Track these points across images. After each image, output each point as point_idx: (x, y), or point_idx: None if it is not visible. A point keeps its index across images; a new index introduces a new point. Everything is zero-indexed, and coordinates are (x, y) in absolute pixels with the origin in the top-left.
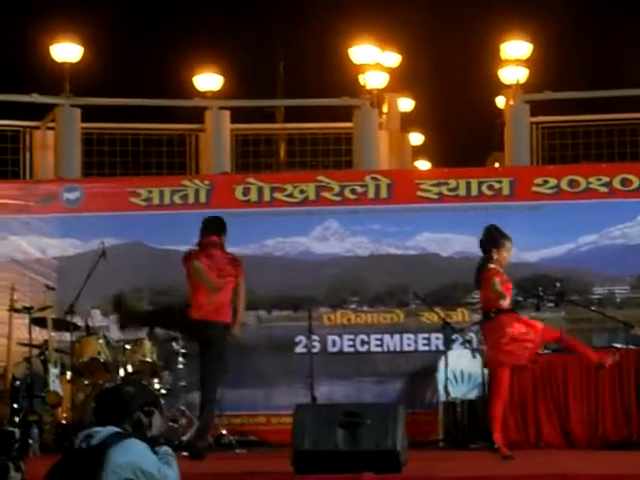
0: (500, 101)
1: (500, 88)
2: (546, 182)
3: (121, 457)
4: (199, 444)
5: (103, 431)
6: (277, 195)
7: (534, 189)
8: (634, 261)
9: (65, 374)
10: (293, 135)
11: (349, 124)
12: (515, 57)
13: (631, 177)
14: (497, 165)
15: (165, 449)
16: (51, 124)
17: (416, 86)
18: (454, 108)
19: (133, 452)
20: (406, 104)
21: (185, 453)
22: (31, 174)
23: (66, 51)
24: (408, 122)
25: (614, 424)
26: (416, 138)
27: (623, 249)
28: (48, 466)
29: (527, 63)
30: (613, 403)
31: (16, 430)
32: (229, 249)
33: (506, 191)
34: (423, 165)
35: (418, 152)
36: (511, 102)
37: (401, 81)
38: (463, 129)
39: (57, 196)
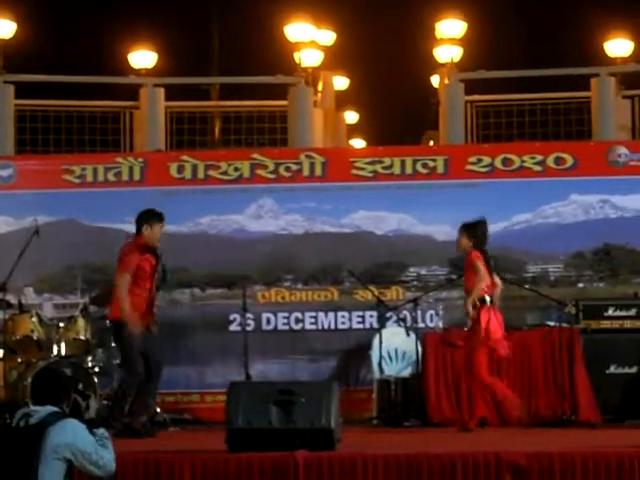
0: (435, 80)
1: (435, 67)
2: (480, 160)
3: (60, 437)
4: (134, 423)
5: (42, 410)
6: (211, 173)
7: (468, 167)
8: (567, 240)
9: None
10: (228, 113)
11: (284, 102)
12: (450, 36)
13: (565, 156)
14: (432, 144)
15: (102, 432)
16: None
17: (351, 64)
18: (389, 87)
19: (71, 432)
20: (341, 82)
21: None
22: None
23: None
24: (343, 100)
25: (547, 402)
26: (351, 116)
27: (556, 228)
28: None
29: (462, 42)
30: (546, 381)
31: None
32: (165, 227)
33: (440, 169)
34: (358, 143)
35: (353, 130)
36: (446, 81)
37: (336, 59)
38: (398, 108)
39: None
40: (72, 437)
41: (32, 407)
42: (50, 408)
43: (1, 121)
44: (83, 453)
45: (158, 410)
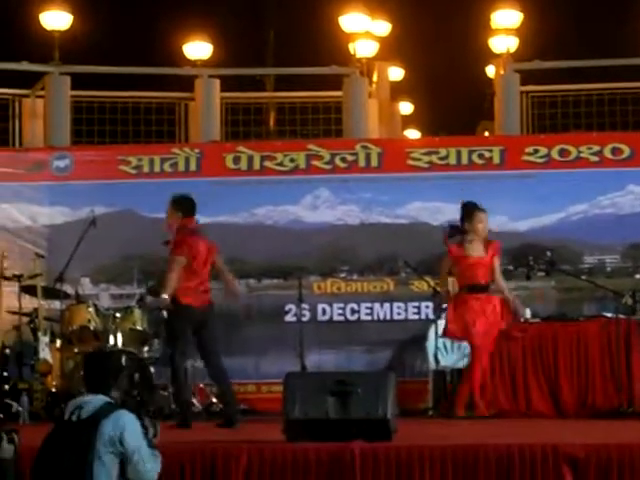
0: (490, 70)
1: (490, 57)
2: (537, 151)
3: (112, 430)
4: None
5: (94, 402)
6: (267, 163)
7: (524, 158)
8: (624, 230)
9: (55, 342)
10: (283, 104)
11: (339, 93)
12: (505, 26)
13: (621, 146)
14: (487, 134)
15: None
16: (40, 92)
17: (406, 55)
18: (444, 77)
19: (122, 425)
20: (396, 73)
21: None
22: (20, 142)
23: (56, 19)
24: (398, 91)
25: (604, 393)
26: (406, 107)
27: (613, 218)
28: (38, 434)
29: (517, 32)
30: (603, 372)
31: (14, 404)
32: (220, 217)
33: (496, 160)
34: (413, 134)
35: (408, 121)
36: (501, 71)
37: (391, 50)
38: (453, 98)
39: (47, 164)
40: (122, 429)
41: (85, 397)
42: (102, 399)
43: (58, 112)
44: (127, 447)
45: (214, 400)
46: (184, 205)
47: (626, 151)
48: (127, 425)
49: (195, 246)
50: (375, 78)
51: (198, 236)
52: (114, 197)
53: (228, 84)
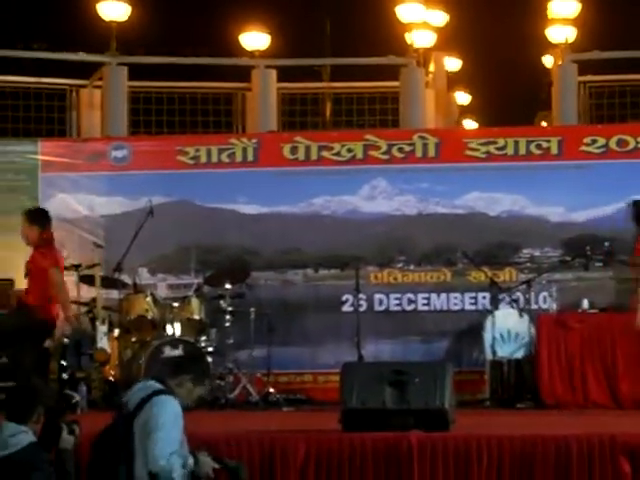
0: (548, 60)
1: (548, 47)
2: (594, 141)
3: (147, 412)
4: None
5: (144, 389)
6: (325, 154)
7: (582, 148)
8: None
9: (113, 332)
10: (339, 94)
11: (395, 83)
12: (563, 16)
13: None
14: (544, 124)
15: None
16: (98, 83)
17: (463, 45)
18: (501, 67)
19: (157, 406)
20: (453, 63)
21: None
22: (78, 133)
23: (113, 9)
24: (455, 81)
25: None
26: (463, 97)
27: None
28: (96, 423)
29: (575, 22)
30: None
31: (75, 394)
32: (278, 207)
33: (554, 150)
34: (470, 124)
35: (465, 111)
36: (559, 61)
37: (448, 40)
38: (511, 88)
39: (105, 154)
40: (156, 410)
41: (137, 386)
42: (152, 386)
43: (115, 103)
44: (149, 426)
45: (271, 390)
46: (40, 217)
47: None
48: (158, 406)
49: (61, 257)
50: (432, 68)
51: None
52: (171, 187)
53: (285, 74)
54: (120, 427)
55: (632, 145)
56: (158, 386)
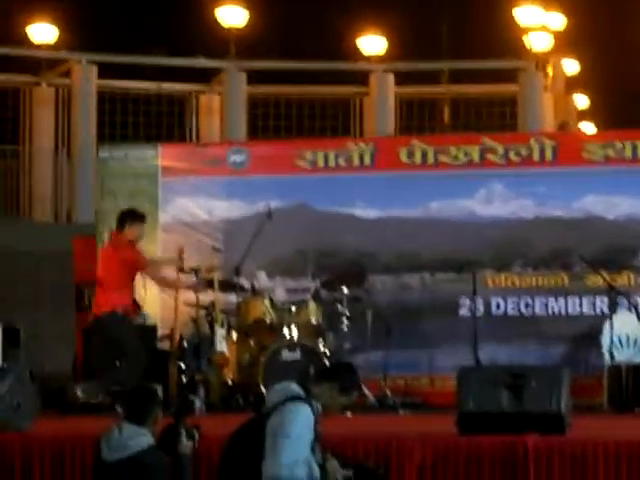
0: None
1: None
2: None
3: (275, 418)
4: None
5: (281, 391)
6: (441, 157)
7: None
8: None
9: (231, 335)
10: (457, 97)
11: (514, 86)
12: None
13: None
14: None
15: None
16: (217, 88)
17: (581, 48)
18: (620, 70)
19: (287, 413)
20: (571, 66)
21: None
22: (197, 137)
23: (232, 15)
24: (573, 85)
25: None
26: (581, 100)
27: None
28: (214, 426)
29: None
30: None
31: (197, 400)
32: (394, 211)
33: None
34: (588, 128)
35: (584, 115)
36: None
37: (566, 43)
38: (630, 91)
39: (224, 159)
40: (289, 417)
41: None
42: (292, 389)
43: (234, 108)
44: (282, 431)
45: (388, 393)
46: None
47: None
48: (292, 413)
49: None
50: (550, 71)
51: None
52: (289, 191)
53: (402, 78)
54: (255, 428)
55: None
56: (297, 390)
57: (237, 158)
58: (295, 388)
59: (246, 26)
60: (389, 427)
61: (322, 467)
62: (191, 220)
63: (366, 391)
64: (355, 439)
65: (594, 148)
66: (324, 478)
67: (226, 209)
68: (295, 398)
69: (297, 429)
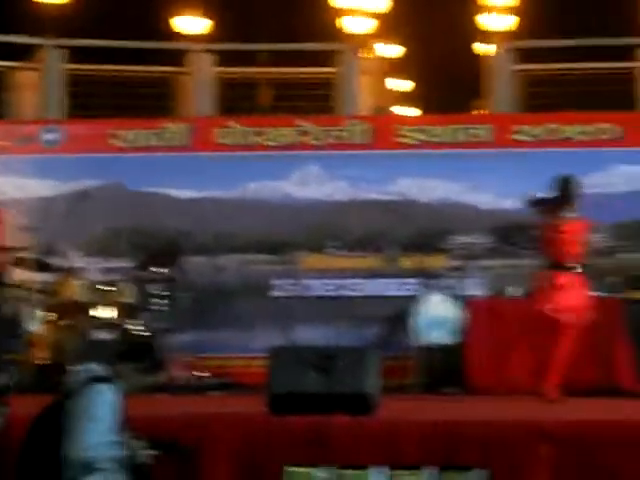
0: (484, 49)
1: (485, 36)
2: (526, 130)
3: (83, 397)
4: None
5: (83, 373)
6: (258, 139)
7: (514, 137)
8: (610, 210)
9: (44, 315)
10: (277, 80)
11: (331, 69)
12: (501, 4)
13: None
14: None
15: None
16: (33, 65)
17: (404, 32)
18: (441, 54)
19: (94, 394)
20: (391, 50)
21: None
22: (11, 115)
23: None
24: (393, 68)
25: (588, 371)
26: (402, 84)
27: (601, 198)
28: (25, 406)
29: (513, 10)
30: (588, 350)
31: (6, 379)
32: (211, 192)
33: (486, 138)
34: (408, 112)
35: (407, 99)
36: (495, 50)
37: (386, 27)
38: (450, 76)
39: (36, 137)
40: (91, 398)
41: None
42: (94, 370)
43: (50, 85)
44: (84, 414)
45: (201, 374)
46: None
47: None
48: (93, 395)
49: None
50: (369, 55)
51: None
52: (104, 171)
53: (224, 59)
54: (56, 410)
55: (564, 134)
56: (99, 371)
57: (50, 136)
58: (98, 369)
59: (67, 4)
60: (199, 408)
61: (128, 448)
62: (3, 198)
63: (176, 372)
64: (163, 420)
65: (409, 132)
66: (130, 459)
67: (39, 188)
68: (98, 379)
69: (100, 411)
